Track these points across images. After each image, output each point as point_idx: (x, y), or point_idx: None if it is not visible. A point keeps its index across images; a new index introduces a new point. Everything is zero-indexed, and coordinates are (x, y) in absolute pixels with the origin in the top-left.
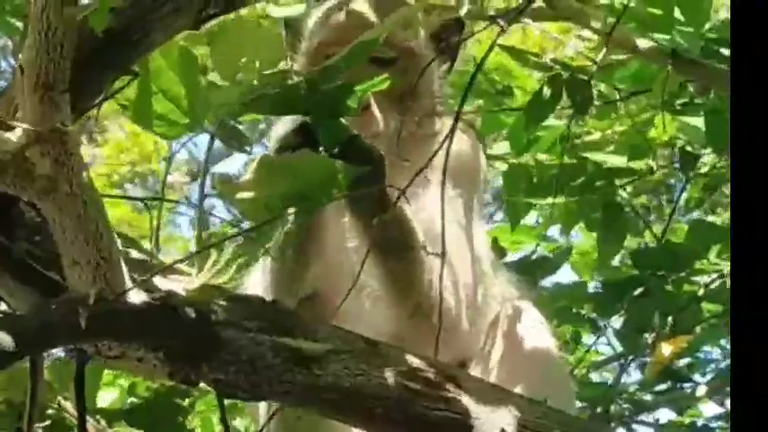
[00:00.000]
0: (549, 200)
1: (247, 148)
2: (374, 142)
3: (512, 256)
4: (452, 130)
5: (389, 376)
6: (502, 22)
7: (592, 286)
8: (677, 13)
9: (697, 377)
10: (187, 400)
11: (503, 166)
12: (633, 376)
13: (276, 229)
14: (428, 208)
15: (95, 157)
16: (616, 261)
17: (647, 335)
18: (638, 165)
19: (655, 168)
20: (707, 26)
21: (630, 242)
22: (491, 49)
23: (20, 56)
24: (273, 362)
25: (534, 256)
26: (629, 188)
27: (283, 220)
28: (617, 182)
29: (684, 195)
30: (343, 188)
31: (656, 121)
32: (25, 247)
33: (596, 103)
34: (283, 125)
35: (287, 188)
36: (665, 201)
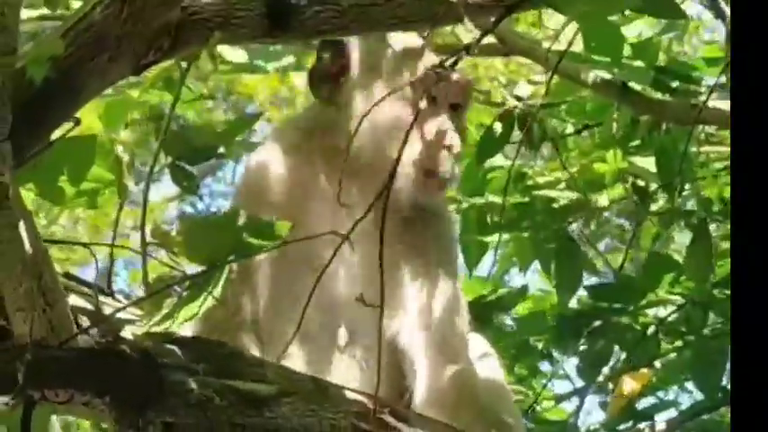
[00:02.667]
0: (503, 236)
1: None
2: None
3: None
4: (392, 173)
5: (341, 417)
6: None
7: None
8: (627, 50)
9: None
10: None
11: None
12: (594, 416)
13: (218, 277)
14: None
15: None
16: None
17: (605, 369)
18: (593, 198)
19: (607, 204)
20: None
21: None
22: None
23: None
24: (222, 405)
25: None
26: (585, 223)
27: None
28: (570, 219)
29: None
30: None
31: (608, 156)
32: None
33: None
34: None
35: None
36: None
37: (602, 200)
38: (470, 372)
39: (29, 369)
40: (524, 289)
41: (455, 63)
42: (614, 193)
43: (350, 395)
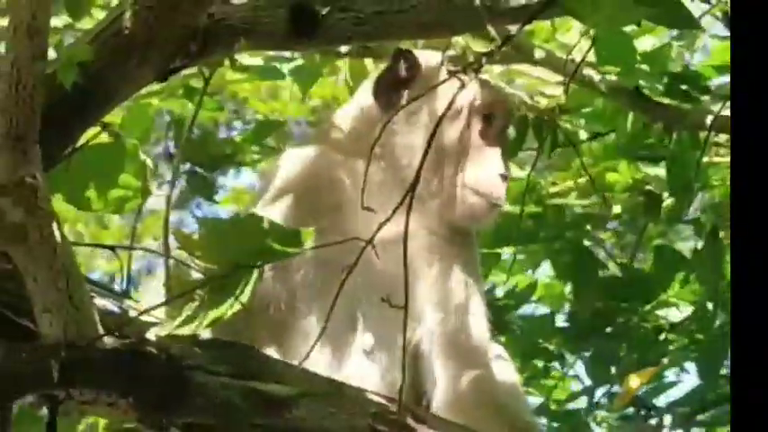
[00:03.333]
0: (513, 248)
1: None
2: None
3: None
4: (414, 184)
5: (358, 418)
6: (463, 77)
7: (560, 318)
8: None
9: (660, 399)
10: None
11: None
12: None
13: (246, 281)
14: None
15: None
16: None
17: (614, 367)
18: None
19: (620, 212)
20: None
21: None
22: (450, 104)
23: None
24: (243, 406)
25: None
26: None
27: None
28: (586, 227)
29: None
30: (274, 250)
31: (619, 167)
32: None
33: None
34: None
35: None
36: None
37: (615, 208)
38: (490, 376)
39: (49, 369)
40: (534, 284)
41: (478, 68)
42: (621, 198)
43: (368, 397)
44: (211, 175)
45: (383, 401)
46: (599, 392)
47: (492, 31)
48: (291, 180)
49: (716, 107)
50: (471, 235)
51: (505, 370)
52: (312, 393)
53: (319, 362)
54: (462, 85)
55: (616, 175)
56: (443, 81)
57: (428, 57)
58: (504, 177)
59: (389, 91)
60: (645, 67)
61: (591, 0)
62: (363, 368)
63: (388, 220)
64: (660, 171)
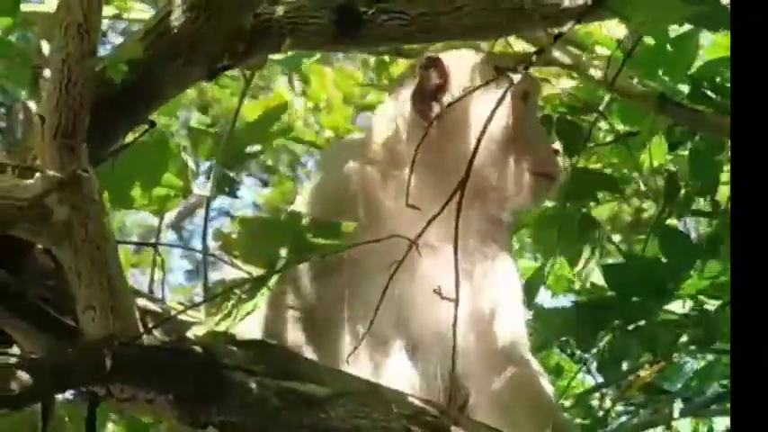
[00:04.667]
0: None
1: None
2: None
3: None
4: (466, 176)
5: (393, 419)
6: (512, 75)
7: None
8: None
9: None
10: None
11: None
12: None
13: (273, 277)
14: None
15: None
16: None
17: (625, 363)
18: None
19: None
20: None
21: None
22: (502, 98)
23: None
24: (280, 405)
25: None
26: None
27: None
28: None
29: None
30: (313, 245)
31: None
32: (39, 292)
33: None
34: None
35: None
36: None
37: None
38: (529, 374)
39: (96, 364)
40: (542, 272)
41: (528, 66)
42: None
43: (405, 398)
44: (233, 173)
45: (420, 403)
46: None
47: (544, 31)
48: (327, 202)
49: None
50: (509, 231)
51: (538, 369)
52: (348, 393)
53: (361, 363)
54: (511, 83)
55: (644, 155)
56: (493, 79)
57: (454, 60)
58: (557, 151)
59: (429, 101)
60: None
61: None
62: (405, 369)
63: (437, 215)
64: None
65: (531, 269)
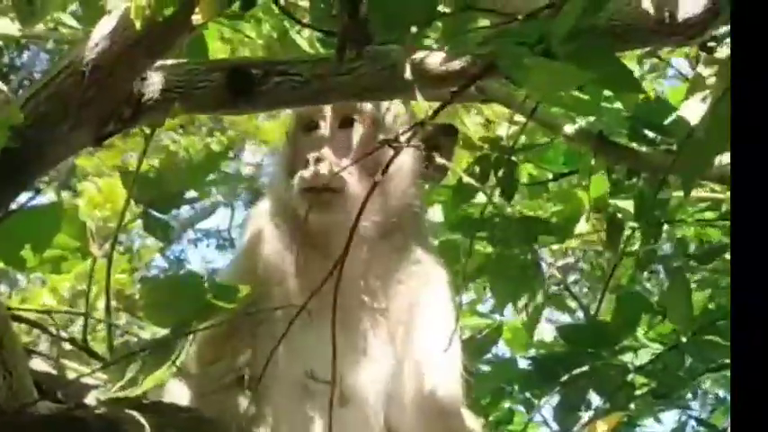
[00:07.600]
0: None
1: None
2: None
3: None
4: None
5: None
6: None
7: (525, 363)
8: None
9: None
10: None
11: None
12: None
13: (185, 340)
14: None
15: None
16: (549, 336)
17: (581, 413)
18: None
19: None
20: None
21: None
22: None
23: None
24: None
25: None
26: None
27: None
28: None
29: (616, 273)
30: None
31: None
32: None
33: (525, 182)
34: None
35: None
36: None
37: (580, 226)
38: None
39: None
40: (500, 327)
41: (411, 137)
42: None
43: None
44: (165, 216)
45: None
46: None
47: (420, 98)
48: (246, 254)
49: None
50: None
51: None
52: None
53: (296, 415)
54: (396, 153)
55: (584, 194)
56: (377, 148)
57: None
58: (318, 159)
59: None
60: (611, 103)
61: (525, 65)
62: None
63: (320, 287)
64: (627, 204)
65: (487, 324)
